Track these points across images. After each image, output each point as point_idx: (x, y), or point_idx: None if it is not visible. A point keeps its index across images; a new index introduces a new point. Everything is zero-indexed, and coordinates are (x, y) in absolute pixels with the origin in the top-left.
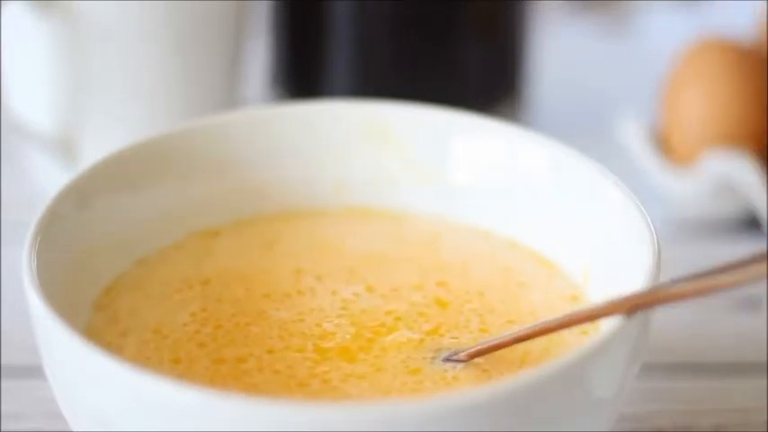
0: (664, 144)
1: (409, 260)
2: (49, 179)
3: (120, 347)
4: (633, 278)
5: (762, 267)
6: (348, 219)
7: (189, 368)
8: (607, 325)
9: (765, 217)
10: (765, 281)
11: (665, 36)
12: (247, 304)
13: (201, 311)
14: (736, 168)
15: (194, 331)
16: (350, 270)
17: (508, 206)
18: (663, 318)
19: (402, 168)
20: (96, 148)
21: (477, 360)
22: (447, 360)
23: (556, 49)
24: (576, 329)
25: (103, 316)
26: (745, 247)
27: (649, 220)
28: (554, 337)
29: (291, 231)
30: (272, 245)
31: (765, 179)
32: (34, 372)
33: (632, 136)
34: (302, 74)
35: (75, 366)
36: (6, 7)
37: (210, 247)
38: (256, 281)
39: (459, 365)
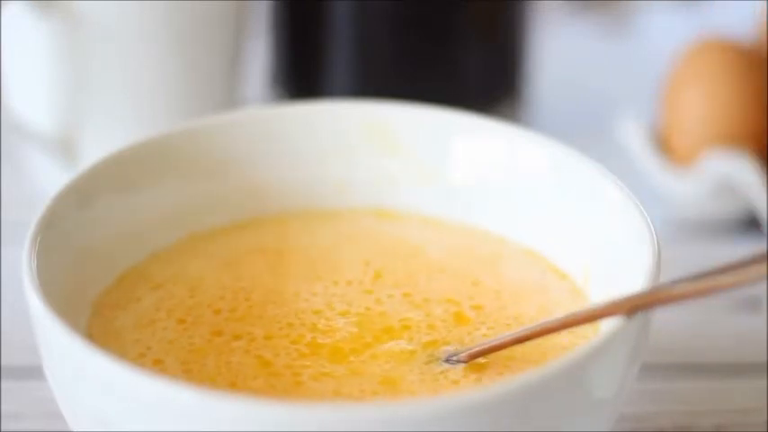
0: (664, 144)
1: (448, 272)
2: (49, 179)
3: (138, 298)
4: (633, 278)
5: (762, 268)
6: (350, 219)
7: (191, 326)
8: (607, 325)
9: (765, 217)
10: (765, 281)
11: (665, 36)
12: (279, 285)
13: (231, 291)
14: (736, 168)
15: (219, 297)
16: (376, 273)
17: (508, 206)
18: (663, 318)
19: (402, 168)
20: (96, 148)
21: (476, 361)
22: (447, 361)
23: (556, 49)
24: (575, 330)
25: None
26: (745, 248)
27: (649, 220)
28: (553, 337)
29: (305, 229)
30: (299, 237)
31: (765, 179)
32: (34, 372)
33: (632, 136)
34: (302, 74)
35: (75, 366)
36: (6, 7)
37: (223, 242)
38: (290, 271)
39: (460, 366)
